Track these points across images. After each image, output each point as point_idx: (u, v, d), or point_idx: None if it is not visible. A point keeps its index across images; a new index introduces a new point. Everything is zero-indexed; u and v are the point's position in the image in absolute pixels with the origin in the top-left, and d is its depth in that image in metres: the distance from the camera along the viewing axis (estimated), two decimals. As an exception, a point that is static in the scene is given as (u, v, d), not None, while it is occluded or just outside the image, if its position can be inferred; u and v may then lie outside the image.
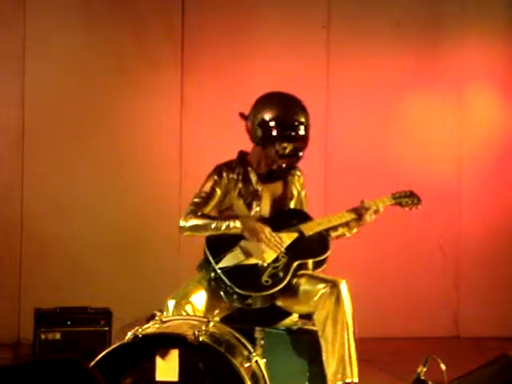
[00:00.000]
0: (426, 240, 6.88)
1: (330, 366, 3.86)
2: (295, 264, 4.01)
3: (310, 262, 4.09)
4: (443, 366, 3.55)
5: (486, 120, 7.05)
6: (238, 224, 4.03)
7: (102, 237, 6.35)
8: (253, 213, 4.15)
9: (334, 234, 4.19)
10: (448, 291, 6.94)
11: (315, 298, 3.89)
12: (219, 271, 3.97)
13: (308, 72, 6.64)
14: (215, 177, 4.17)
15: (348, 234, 4.24)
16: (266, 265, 3.99)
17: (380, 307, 6.67)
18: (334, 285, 3.89)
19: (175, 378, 3.25)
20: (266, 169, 4.18)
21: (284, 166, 4.14)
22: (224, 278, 3.95)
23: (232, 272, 3.97)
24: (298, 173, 4.28)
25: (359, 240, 4.40)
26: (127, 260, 6.38)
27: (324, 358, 3.88)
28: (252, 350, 3.59)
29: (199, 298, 3.97)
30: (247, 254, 4.02)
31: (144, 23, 6.50)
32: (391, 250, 6.77)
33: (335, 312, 3.85)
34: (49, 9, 6.37)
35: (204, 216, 4.11)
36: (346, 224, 4.17)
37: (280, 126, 4.09)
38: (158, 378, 3.26)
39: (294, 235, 4.09)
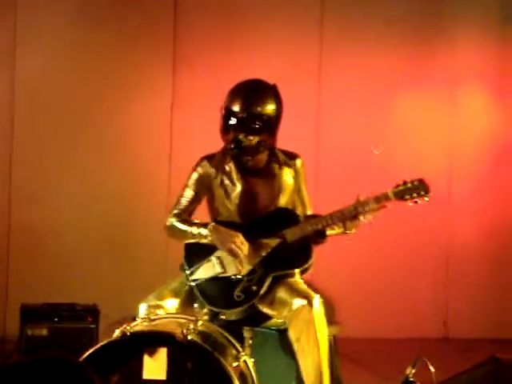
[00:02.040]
0: (416, 241, 6.88)
1: (309, 377, 3.78)
2: (270, 277, 3.87)
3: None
4: (432, 368, 3.53)
5: (478, 120, 7.05)
6: (205, 231, 3.90)
7: (91, 233, 6.33)
8: (233, 207, 4.00)
9: (329, 232, 3.97)
10: (438, 292, 6.93)
11: (289, 313, 3.77)
12: (192, 284, 3.90)
13: (300, 69, 6.63)
14: (197, 171, 4.07)
15: (346, 234, 3.97)
16: (239, 277, 3.87)
17: (369, 308, 6.66)
18: (307, 301, 3.75)
19: (163, 377, 3.22)
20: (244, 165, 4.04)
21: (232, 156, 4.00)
22: (196, 292, 3.89)
23: (205, 286, 3.89)
24: (298, 161, 4.12)
25: (347, 238, 4.27)
26: (116, 257, 6.36)
27: (301, 369, 3.80)
28: (240, 349, 3.56)
29: (172, 302, 3.88)
30: (222, 266, 3.90)
31: (136, 19, 6.47)
32: (380, 251, 6.76)
33: (308, 329, 3.73)
34: (40, 3, 6.34)
35: (185, 221, 4.01)
36: (343, 224, 3.91)
37: (229, 113, 3.99)
38: (146, 376, 3.23)
39: (275, 242, 3.90)
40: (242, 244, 3.85)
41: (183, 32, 6.51)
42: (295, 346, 3.79)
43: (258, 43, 6.61)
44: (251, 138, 3.96)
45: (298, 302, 3.78)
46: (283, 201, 4.09)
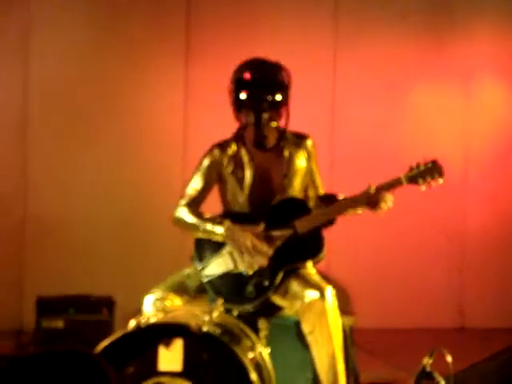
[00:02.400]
0: (431, 229, 6.85)
1: (321, 372, 3.79)
2: (282, 271, 3.85)
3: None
4: (449, 358, 3.51)
5: (492, 110, 7.02)
6: (221, 230, 3.88)
7: (106, 225, 6.34)
8: (244, 194, 3.96)
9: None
10: (453, 281, 6.91)
11: (301, 306, 3.76)
12: (205, 281, 3.89)
13: (315, 62, 6.61)
14: (208, 159, 4.03)
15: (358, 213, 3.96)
16: (251, 273, 3.86)
17: (383, 297, 6.64)
18: (320, 293, 3.74)
19: (178, 369, 3.22)
20: (254, 143, 3.99)
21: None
22: (209, 289, 3.88)
23: (216, 282, 3.88)
24: (308, 141, 4.06)
25: (361, 227, 4.23)
26: (131, 248, 6.36)
27: (315, 363, 3.81)
28: (256, 340, 3.56)
29: (181, 294, 3.89)
30: (234, 261, 3.89)
31: (148, 11, 6.46)
32: (395, 238, 6.73)
33: (321, 323, 3.72)
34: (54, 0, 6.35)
35: (196, 215, 3.97)
36: (354, 212, 3.90)
37: (242, 88, 3.94)
38: (161, 368, 3.23)
39: (286, 234, 3.87)
40: (253, 244, 3.82)
41: (195, 24, 6.49)
42: (309, 339, 3.79)
43: (272, 34, 6.58)
44: (265, 108, 3.88)
45: (310, 295, 3.76)
46: (297, 183, 4.03)
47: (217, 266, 3.90)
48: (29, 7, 6.25)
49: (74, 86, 6.34)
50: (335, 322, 3.77)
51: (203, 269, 3.91)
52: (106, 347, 3.21)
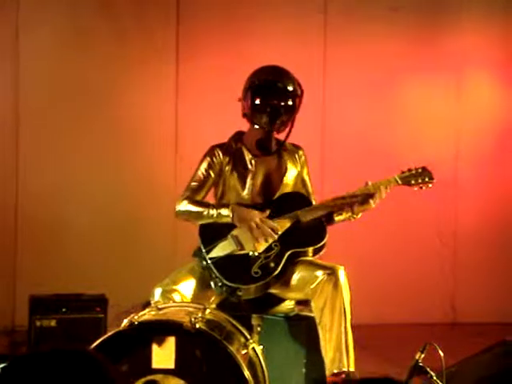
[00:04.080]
0: (423, 225, 6.87)
1: (328, 353, 3.84)
2: (288, 253, 3.94)
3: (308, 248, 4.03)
4: (441, 353, 3.53)
5: (484, 106, 7.03)
6: (227, 212, 3.98)
7: (98, 223, 6.34)
8: (246, 191, 4.09)
9: (337, 218, 4.09)
10: (445, 276, 6.93)
11: (312, 286, 3.84)
12: (209, 261, 3.93)
13: (305, 57, 6.60)
14: (209, 158, 4.14)
15: (353, 219, 4.11)
16: (257, 254, 3.93)
17: (376, 293, 6.66)
18: (331, 272, 3.84)
19: (171, 366, 3.23)
20: (258, 145, 4.14)
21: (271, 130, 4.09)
22: (213, 268, 3.92)
23: (222, 263, 3.93)
24: (300, 152, 4.23)
25: (354, 225, 4.31)
26: (123, 246, 6.36)
27: (322, 345, 3.86)
28: (249, 336, 3.57)
29: (187, 287, 3.93)
30: (239, 244, 3.96)
31: (140, 10, 6.45)
32: (387, 235, 6.76)
33: (333, 299, 3.81)
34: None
35: (198, 203, 4.07)
36: (351, 208, 4.04)
37: (260, 92, 4.06)
38: (155, 365, 3.23)
39: (290, 222, 4.01)
40: (261, 222, 3.93)
41: (186, 20, 6.49)
42: (318, 317, 3.83)
43: (262, 31, 6.59)
44: (283, 103, 4.03)
45: (322, 274, 3.84)
46: (289, 188, 4.19)
47: (222, 248, 3.97)
48: (18, 8, 6.23)
49: (64, 86, 6.33)
50: (347, 302, 3.83)
51: (208, 252, 3.95)
52: (99, 345, 3.21)
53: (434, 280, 6.90)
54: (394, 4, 6.81)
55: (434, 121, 6.94)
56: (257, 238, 3.95)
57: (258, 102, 4.07)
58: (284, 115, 4.05)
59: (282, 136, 4.19)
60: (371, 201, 4.01)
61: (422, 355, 3.55)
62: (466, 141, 6.98)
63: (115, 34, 6.41)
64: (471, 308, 6.88)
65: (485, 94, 7.06)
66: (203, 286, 3.97)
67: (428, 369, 3.52)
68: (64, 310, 5.22)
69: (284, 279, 3.95)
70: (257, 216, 3.97)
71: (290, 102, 4.06)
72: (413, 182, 4.09)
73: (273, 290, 3.98)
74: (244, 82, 4.18)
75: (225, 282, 3.89)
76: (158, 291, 3.89)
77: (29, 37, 6.26)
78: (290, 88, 4.07)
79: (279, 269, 3.91)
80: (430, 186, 4.13)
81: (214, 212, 4.00)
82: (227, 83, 5.73)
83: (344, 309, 3.82)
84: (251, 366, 3.40)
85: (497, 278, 6.97)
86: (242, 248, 3.96)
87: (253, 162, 4.12)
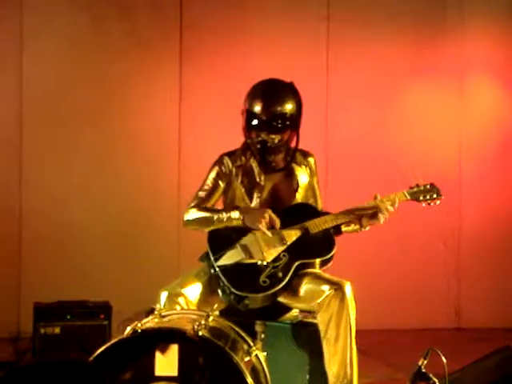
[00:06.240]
0: (427, 230, 6.87)
1: (332, 367, 3.82)
2: (296, 264, 3.93)
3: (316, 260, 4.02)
4: (444, 359, 3.52)
5: (486, 110, 7.03)
6: (237, 214, 3.98)
7: (101, 230, 6.34)
8: (254, 203, 4.09)
9: (345, 229, 4.11)
10: (449, 282, 6.92)
11: (319, 300, 3.82)
12: (217, 269, 3.93)
13: (308, 62, 6.62)
14: (218, 167, 4.13)
15: (360, 231, 4.13)
16: (265, 264, 3.92)
17: (380, 299, 6.65)
18: (338, 287, 3.82)
19: (175, 373, 3.23)
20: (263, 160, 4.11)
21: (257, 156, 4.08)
22: (222, 276, 3.91)
23: (230, 271, 3.92)
24: (311, 159, 4.21)
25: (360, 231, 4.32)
26: (127, 253, 6.37)
27: (325, 358, 3.84)
28: (252, 343, 3.56)
29: (193, 291, 3.93)
30: (247, 253, 3.95)
31: (142, 13, 6.47)
32: (391, 240, 6.75)
33: (339, 314, 3.79)
34: (46, 1, 6.35)
35: (207, 209, 4.07)
36: (359, 221, 4.06)
37: (251, 115, 4.05)
38: (158, 373, 3.23)
39: (298, 232, 4.00)
40: (271, 217, 3.94)
41: (190, 24, 6.50)
42: (323, 331, 3.82)
43: (266, 38, 6.60)
44: (273, 136, 4.03)
45: (329, 289, 3.83)
46: (299, 197, 4.18)
47: (230, 257, 3.96)
48: (21, 14, 6.25)
49: (68, 91, 6.35)
50: (353, 316, 3.82)
51: (216, 260, 3.95)
52: (103, 353, 3.22)
53: (438, 285, 6.89)
54: (396, 9, 6.82)
55: (438, 125, 6.95)
56: (268, 246, 3.94)
57: (253, 123, 4.05)
58: (276, 149, 4.06)
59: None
60: (380, 215, 4.02)
61: (425, 361, 3.54)
62: (470, 144, 6.98)
63: (118, 40, 6.42)
64: (475, 313, 6.87)
65: (488, 97, 7.06)
66: (209, 291, 3.97)
67: (431, 375, 3.52)
68: (68, 317, 5.23)
69: (291, 290, 3.94)
70: (266, 212, 3.96)
71: (287, 122, 4.03)
72: (421, 197, 4.14)
73: (281, 299, 3.98)
74: (248, 91, 4.16)
75: (233, 290, 3.88)
76: (164, 295, 3.89)
77: (32, 41, 6.28)
78: (285, 110, 4.04)
79: (287, 279, 3.90)
80: (438, 202, 4.18)
81: (224, 216, 4.00)
82: (231, 91, 5.75)
83: (350, 324, 3.80)
84: (254, 372, 3.40)
85: (501, 283, 6.96)
86: (251, 257, 3.95)
87: (262, 177, 4.11)
